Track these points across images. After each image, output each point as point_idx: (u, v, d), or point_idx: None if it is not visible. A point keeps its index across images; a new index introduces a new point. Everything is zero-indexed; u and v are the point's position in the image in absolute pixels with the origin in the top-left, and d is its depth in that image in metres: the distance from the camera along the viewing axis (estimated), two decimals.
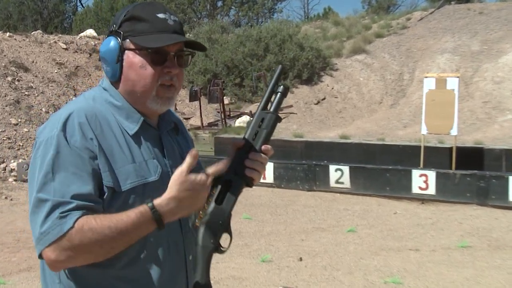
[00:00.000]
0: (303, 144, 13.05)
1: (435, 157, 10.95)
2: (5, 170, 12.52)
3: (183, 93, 18.62)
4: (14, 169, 12.36)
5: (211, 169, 1.69)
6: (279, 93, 1.81)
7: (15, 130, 14.00)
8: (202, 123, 17.09)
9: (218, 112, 17.96)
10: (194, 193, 1.63)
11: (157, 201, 1.62)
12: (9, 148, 13.30)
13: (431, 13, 24.37)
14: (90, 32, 21.90)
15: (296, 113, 18.13)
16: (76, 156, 1.63)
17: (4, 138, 13.56)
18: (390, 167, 10.74)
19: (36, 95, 15.83)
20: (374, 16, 28.06)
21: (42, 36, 19.47)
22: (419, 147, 10.93)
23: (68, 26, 40.69)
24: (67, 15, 43.06)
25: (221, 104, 17.08)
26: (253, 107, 18.37)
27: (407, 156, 11.35)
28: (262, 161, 1.78)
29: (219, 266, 6.40)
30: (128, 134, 1.76)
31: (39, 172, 1.64)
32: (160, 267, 1.76)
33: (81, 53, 19.31)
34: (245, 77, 20.21)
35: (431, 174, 10.20)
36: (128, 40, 1.75)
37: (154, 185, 1.73)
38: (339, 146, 12.61)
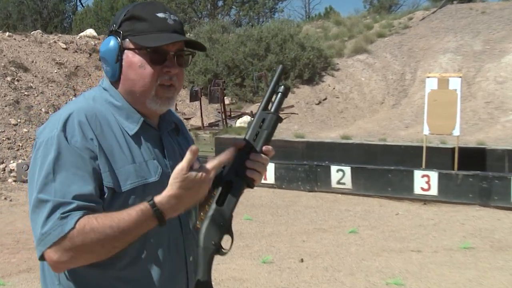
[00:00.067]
0: (304, 145, 13.04)
1: (437, 157, 10.94)
2: (4, 170, 12.52)
3: (184, 93, 18.62)
4: (13, 169, 12.36)
5: (211, 163, 1.68)
6: (279, 93, 1.81)
7: (15, 130, 14.01)
8: (202, 124, 17.08)
9: (219, 112, 17.95)
10: (195, 190, 1.63)
11: (158, 199, 1.62)
12: (8, 149, 13.31)
13: (433, 13, 24.36)
14: (90, 31, 21.89)
15: (297, 113, 18.12)
16: (76, 156, 1.64)
17: (4, 139, 13.57)
18: (392, 167, 10.74)
19: (36, 95, 15.84)
20: (375, 15, 28.05)
21: (42, 36, 19.48)
22: (421, 147, 10.93)
23: (68, 26, 40.71)
24: (67, 15, 43.09)
25: (222, 104, 17.07)
26: (254, 107, 18.37)
27: (409, 157, 11.34)
28: (263, 162, 1.78)
29: (219, 267, 6.40)
30: (128, 135, 1.76)
31: (39, 172, 1.64)
32: (160, 268, 1.76)
33: (81, 53, 19.32)
34: (246, 77, 20.20)
35: (433, 175, 10.20)
36: (127, 39, 1.76)
37: (154, 186, 1.73)
38: (340, 147, 12.60)
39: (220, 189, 1.74)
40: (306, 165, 11.53)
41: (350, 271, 6.55)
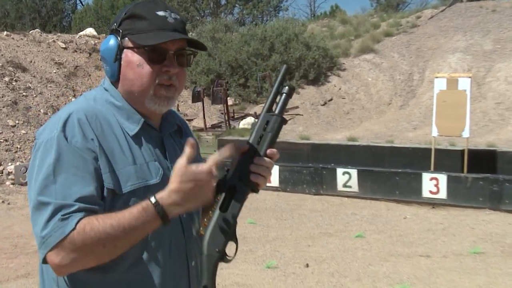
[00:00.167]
0: (310, 147, 13.04)
1: (446, 160, 10.93)
2: (2, 173, 12.55)
3: (186, 94, 18.65)
4: (11, 172, 12.39)
5: (212, 158, 1.66)
6: (284, 94, 1.80)
7: (13, 132, 14.04)
8: (205, 125, 17.09)
9: (222, 113, 17.96)
10: (197, 184, 1.61)
11: (159, 195, 1.61)
12: (6, 151, 13.34)
13: (442, 11, 24.35)
14: (90, 31, 21.95)
15: (302, 115, 18.13)
16: (77, 157, 1.64)
17: (1, 140, 13.60)
18: (400, 170, 10.73)
19: (34, 96, 15.87)
20: (383, 14, 28.06)
21: (41, 35, 19.52)
22: (430, 149, 10.91)
23: (67, 25, 40.80)
24: (66, 14, 43.19)
25: (225, 105, 17.08)
26: (258, 108, 18.38)
27: (417, 159, 11.33)
28: (268, 166, 1.77)
29: (223, 273, 6.40)
30: (129, 135, 1.77)
31: (39, 174, 1.64)
32: (161, 272, 1.76)
33: (80, 52, 19.36)
34: (249, 77, 20.22)
35: (442, 178, 10.19)
36: (127, 38, 1.76)
37: (156, 188, 1.72)
38: (346, 149, 12.60)
39: (223, 194, 1.74)
40: (311, 168, 11.52)
41: (357, 276, 6.54)
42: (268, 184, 1.79)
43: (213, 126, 17.80)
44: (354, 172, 10.97)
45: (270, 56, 20.44)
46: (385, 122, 17.33)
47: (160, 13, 1.75)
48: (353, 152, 12.32)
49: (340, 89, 19.98)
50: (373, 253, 7.48)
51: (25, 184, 10.67)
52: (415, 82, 19.68)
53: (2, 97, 15.02)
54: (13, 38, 18.26)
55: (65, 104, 15.66)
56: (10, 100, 15.03)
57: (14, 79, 15.98)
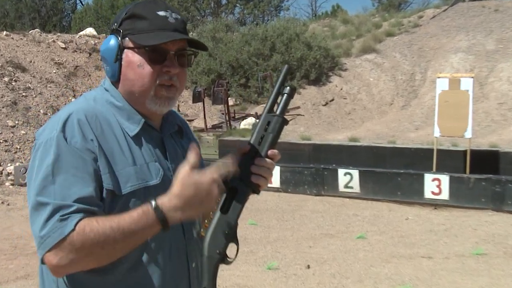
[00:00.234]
0: (311, 147, 13.04)
1: (449, 160, 10.92)
2: (1, 174, 12.56)
3: (186, 94, 18.65)
4: (11, 173, 12.40)
5: (216, 169, 1.67)
6: (285, 95, 1.80)
7: (12, 132, 14.05)
8: (206, 125, 17.09)
9: (223, 113, 17.96)
10: (199, 191, 1.61)
11: (160, 200, 1.61)
12: (6, 151, 13.35)
13: (444, 11, 24.34)
14: (90, 30, 21.96)
15: (303, 115, 18.12)
16: (76, 158, 1.64)
17: (1, 141, 13.61)
18: (402, 171, 10.72)
19: (34, 96, 15.88)
20: (384, 14, 28.06)
21: (40, 35, 19.54)
22: (432, 150, 10.91)
23: (67, 25, 40.83)
24: (66, 13, 43.23)
25: (226, 105, 17.08)
26: (259, 109, 18.38)
27: (419, 160, 11.32)
28: (269, 167, 1.78)
29: (223, 274, 6.40)
30: (129, 136, 1.77)
31: (38, 174, 1.65)
32: (161, 274, 1.76)
33: (80, 52, 19.37)
34: (250, 77, 20.22)
35: (444, 178, 10.19)
36: (127, 38, 1.76)
37: (156, 189, 1.73)
38: (348, 149, 12.60)
39: (224, 195, 1.74)
40: (313, 168, 11.52)
41: (358, 278, 6.54)
42: (269, 185, 1.78)
43: (214, 127, 17.81)
44: (355, 172, 10.97)
45: (271, 56, 20.44)
46: (387, 122, 17.33)
47: (161, 13, 1.76)
48: (354, 153, 12.32)
49: (341, 89, 19.98)
50: (374, 254, 7.48)
51: (25, 185, 10.68)
52: (417, 82, 19.68)
53: (2, 97, 15.04)
54: (12, 38, 18.28)
55: (65, 104, 15.66)
56: (10, 100, 15.05)
57: (13, 79, 16.00)
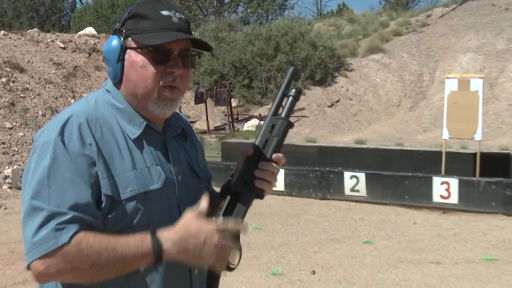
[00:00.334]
0: (316, 150, 13.03)
1: (458, 163, 10.90)
2: None
3: (188, 95, 18.67)
4: (8, 175, 12.41)
5: (225, 223, 1.69)
6: (291, 97, 1.80)
7: (10, 134, 14.08)
8: (208, 127, 17.12)
9: (226, 115, 17.99)
10: (199, 233, 1.63)
11: (160, 230, 1.64)
12: (3, 154, 13.37)
13: (453, 10, 24.34)
14: (90, 30, 22.02)
15: (308, 117, 18.13)
16: (73, 162, 1.64)
17: None
18: (409, 174, 10.71)
19: (32, 97, 15.92)
20: (391, 12, 28.08)
21: (39, 35, 19.59)
22: (441, 152, 10.89)
23: (66, 24, 40.93)
24: (65, 12, 43.33)
25: (229, 106, 17.10)
26: (263, 110, 18.39)
27: (427, 163, 11.31)
28: (273, 171, 1.78)
29: (226, 280, 6.40)
30: (130, 139, 1.76)
31: (33, 177, 1.65)
32: (163, 280, 1.76)
33: (80, 52, 19.41)
34: (254, 78, 20.25)
35: (454, 182, 10.16)
36: (130, 38, 1.76)
37: (157, 193, 1.73)
38: (354, 152, 12.59)
39: (227, 200, 1.74)
40: (318, 171, 11.51)
41: (365, 284, 6.53)
42: (273, 188, 1.79)
43: (217, 128, 17.83)
44: (362, 176, 10.95)
45: (275, 56, 20.47)
46: (394, 124, 17.32)
47: (164, 12, 1.76)
48: (361, 155, 12.31)
49: (347, 90, 19.98)
50: (381, 260, 7.47)
51: None
52: (425, 83, 19.67)
53: None
54: (10, 38, 18.33)
55: (64, 105, 15.72)
56: (8, 101, 15.08)
57: (11, 80, 16.03)
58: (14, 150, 13.63)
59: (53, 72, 17.59)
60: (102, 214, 1.66)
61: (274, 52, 20.62)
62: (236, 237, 1.74)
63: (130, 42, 1.76)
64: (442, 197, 10.21)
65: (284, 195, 11.46)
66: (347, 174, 11.11)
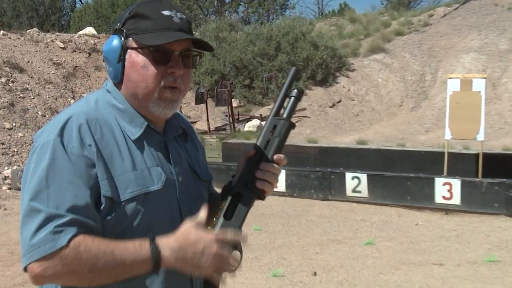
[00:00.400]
0: (317, 150, 13.03)
1: (460, 164, 10.89)
2: None
3: (189, 95, 18.65)
4: (8, 176, 12.41)
5: (224, 233, 1.70)
6: (293, 98, 1.80)
7: (9, 135, 14.08)
8: (209, 128, 17.12)
9: (226, 115, 17.99)
10: (198, 241, 1.64)
11: (159, 237, 1.65)
12: (2, 154, 13.38)
13: (456, 9, 24.34)
14: (90, 30, 22.03)
15: (309, 117, 18.13)
16: (72, 164, 1.64)
17: None
18: (411, 175, 10.70)
19: (32, 97, 15.92)
20: (393, 12, 28.08)
21: (38, 35, 19.60)
22: (443, 153, 10.89)
23: (66, 24, 40.95)
24: (64, 12, 43.34)
25: (229, 107, 17.10)
26: (264, 110, 18.40)
27: (429, 163, 11.30)
28: (275, 172, 1.78)
29: (227, 282, 6.39)
30: (131, 139, 1.76)
31: (33, 178, 1.65)
32: (164, 281, 1.76)
33: (79, 52, 19.42)
34: (255, 78, 20.25)
35: (456, 183, 10.16)
36: (130, 38, 1.76)
37: (157, 194, 1.73)
38: (356, 152, 12.59)
39: (228, 201, 1.74)
40: (319, 172, 11.51)
41: (367, 285, 6.53)
42: (274, 189, 1.79)
43: (217, 129, 17.83)
44: (363, 176, 10.95)
45: (276, 56, 20.47)
46: (396, 124, 17.32)
47: (166, 12, 1.76)
48: (362, 156, 12.30)
49: (349, 90, 19.98)
50: (383, 261, 7.46)
51: None
52: (427, 83, 19.67)
53: None
54: (9, 38, 18.34)
55: (63, 106, 15.73)
56: (7, 101, 15.09)
57: (11, 80, 16.04)
58: (14, 151, 13.64)
59: (52, 72, 17.60)
60: (101, 216, 1.66)
61: (275, 52, 20.63)
62: (235, 247, 1.74)
63: (131, 42, 1.76)
64: (444, 198, 10.21)
65: (285, 196, 11.46)
66: (348, 175, 11.10)
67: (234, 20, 27.34)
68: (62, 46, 19.20)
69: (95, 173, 1.66)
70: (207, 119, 17.21)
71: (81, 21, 36.50)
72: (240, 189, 1.74)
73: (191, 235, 1.64)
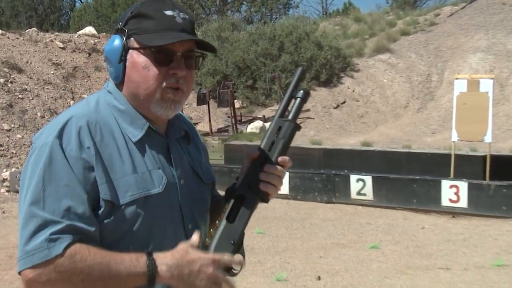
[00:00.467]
0: (321, 152, 13.03)
1: (467, 166, 10.88)
2: None
3: (191, 96, 18.65)
4: (6, 179, 12.43)
5: (221, 256, 1.70)
6: (298, 99, 1.80)
7: (8, 136, 14.10)
8: (211, 129, 17.11)
9: (229, 116, 17.98)
10: (194, 261, 1.65)
11: (156, 253, 1.65)
12: (1, 156, 13.40)
13: (462, 8, 24.31)
14: (89, 29, 22.02)
15: (313, 118, 18.12)
16: (70, 167, 1.64)
17: None
18: (417, 177, 10.69)
19: (31, 98, 15.94)
20: (399, 11, 28.04)
21: (37, 34, 19.62)
22: (449, 155, 10.87)
23: (66, 24, 40.99)
24: (64, 12, 43.39)
25: (232, 108, 17.10)
26: (267, 111, 18.40)
27: (436, 165, 11.29)
28: (279, 174, 1.78)
29: None
30: (132, 141, 1.76)
31: (29, 181, 1.65)
32: (163, 285, 1.76)
33: (79, 52, 19.44)
34: (258, 78, 20.23)
35: (463, 185, 10.15)
36: (132, 38, 1.76)
37: (158, 198, 1.73)
38: (360, 154, 12.58)
39: (231, 203, 1.73)
40: (323, 174, 11.51)
41: None
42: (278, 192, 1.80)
43: (219, 130, 17.83)
44: (368, 179, 10.94)
45: (279, 56, 20.45)
46: (401, 126, 17.30)
47: (168, 12, 1.75)
48: (367, 158, 12.29)
49: (353, 91, 19.97)
50: (389, 265, 7.46)
51: None
52: (433, 84, 19.65)
53: None
54: (8, 38, 18.36)
55: (63, 107, 15.74)
56: (5, 102, 15.11)
57: (9, 80, 16.06)
58: (12, 153, 13.66)
59: (52, 72, 17.62)
60: (99, 220, 1.66)
61: (278, 52, 20.62)
62: (239, 242, 1.74)
63: (133, 42, 1.76)
64: (451, 201, 10.20)
65: (289, 198, 11.46)
66: (353, 177, 11.10)
67: (236, 20, 27.34)
68: (62, 46, 19.22)
69: (94, 176, 1.66)
70: (209, 121, 17.21)
71: (81, 21, 36.52)
72: (243, 192, 1.74)
73: (189, 254, 1.65)
